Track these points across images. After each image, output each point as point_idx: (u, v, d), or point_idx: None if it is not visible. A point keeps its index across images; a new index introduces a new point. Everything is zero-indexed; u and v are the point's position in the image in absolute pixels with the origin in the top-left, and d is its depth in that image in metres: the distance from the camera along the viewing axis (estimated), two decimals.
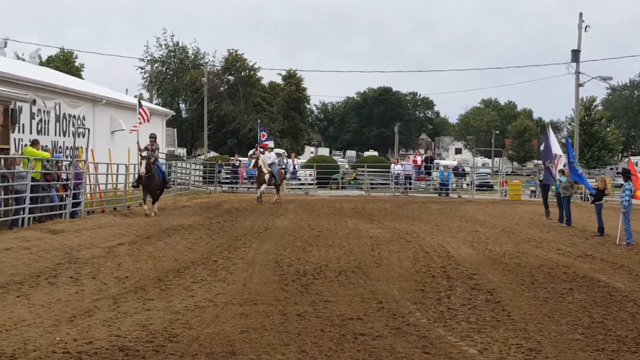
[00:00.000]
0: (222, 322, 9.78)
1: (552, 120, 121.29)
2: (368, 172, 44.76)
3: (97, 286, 12.09)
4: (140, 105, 28.94)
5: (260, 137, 39.16)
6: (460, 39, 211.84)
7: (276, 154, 49.94)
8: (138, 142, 26.63)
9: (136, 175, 27.71)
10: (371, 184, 44.72)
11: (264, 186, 32.82)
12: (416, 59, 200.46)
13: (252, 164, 33.42)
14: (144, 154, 25.34)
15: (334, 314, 10.43)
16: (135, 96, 64.31)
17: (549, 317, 10.63)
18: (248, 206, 30.31)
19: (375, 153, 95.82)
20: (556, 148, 29.04)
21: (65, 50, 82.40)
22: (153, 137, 26.31)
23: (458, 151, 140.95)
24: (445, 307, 11.08)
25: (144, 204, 25.21)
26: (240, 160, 45.31)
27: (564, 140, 37.42)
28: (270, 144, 39.39)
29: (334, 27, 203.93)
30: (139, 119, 28.43)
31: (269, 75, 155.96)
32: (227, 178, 44.18)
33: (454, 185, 44.42)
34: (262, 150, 35.97)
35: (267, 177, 32.57)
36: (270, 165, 33.16)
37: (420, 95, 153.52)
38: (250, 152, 47.59)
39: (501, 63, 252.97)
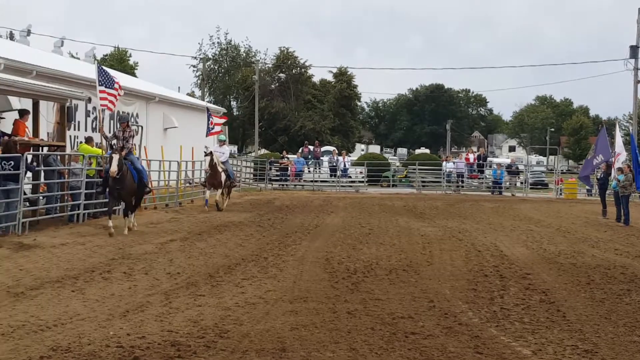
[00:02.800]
0: (272, 318, 9.77)
1: (609, 118, 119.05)
2: (419, 169, 44.48)
3: (150, 282, 12.20)
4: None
5: (208, 124, 30.63)
6: (515, 35, 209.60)
7: (326, 151, 50.10)
8: (102, 128, 22.14)
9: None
10: (422, 181, 44.45)
11: (219, 191, 26.81)
12: (469, 55, 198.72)
13: (207, 164, 26.82)
14: (113, 143, 19.11)
15: (384, 312, 10.36)
16: (189, 94, 65.04)
17: (605, 318, 10.42)
18: (298, 203, 30.34)
19: (427, 151, 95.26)
20: (619, 146, 28.70)
21: (120, 49, 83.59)
22: (124, 122, 19.51)
23: (512, 149, 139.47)
24: (498, 307, 10.93)
25: (109, 218, 18.18)
26: (288, 158, 45.39)
27: (628, 138, 36.80)
28: (220, 135, 31.18)
29: (386, 24, 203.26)
30: (212, 127, 28.75)
31: (320, 72, 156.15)
32: (277, 175, 44.29)
33: (508, 183, 43.92)
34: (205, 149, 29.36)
35: (223, 177, 26.88)
36: (224, 163, 27.79)
37: (473, 92, 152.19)
38: (300, 149, 47.70)
39: (556, 59, 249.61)
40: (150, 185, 21.43)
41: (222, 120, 32.02)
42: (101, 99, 20.87)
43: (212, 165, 26.33)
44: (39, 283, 11.62)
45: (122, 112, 23.02)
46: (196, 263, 14.20)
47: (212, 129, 30.37)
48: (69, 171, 20.16)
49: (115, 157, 17.95)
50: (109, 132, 23.11)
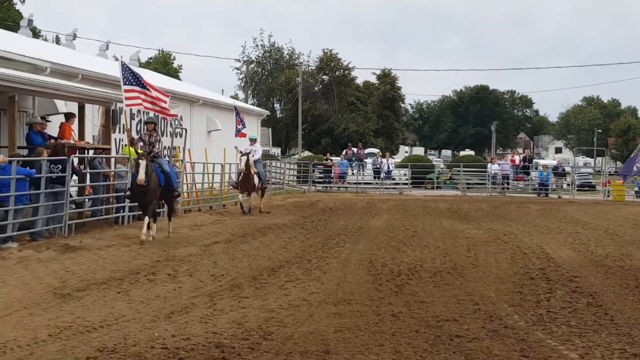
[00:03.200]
0: (316, 321, 9.76)
1: None
2: (464, 171, 44.16)
3: (194, 283, 12.28)
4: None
5: (236, 124, 29.82)
6: (560, 35, 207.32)
7: (370, 153, 49.99)
8: (128, 130, 21.02)
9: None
10: (467, 183, 44.12)
11: (253, 195, 26.19)
12: (514, 56, 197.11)
13: (242, 164, 25.73)
14: (139, 147, 17.78)
15: (429, 315, 10.29)
16: (232, 96, 65.40)
17: None
18: (342, 205, 30.31)
19: (472, 152, 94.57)
20: None
21: (164, 52, 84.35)
22: (151, 123, 18.50)
23: (558, 150, 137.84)
24: (544, 310, 10.78)
25: (144, 226, 17.11)
26: (331, 160, 45.37)
27: None
28: (251, 134, 29.65)
29: (429, 26, 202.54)
30: (240, 127, 28.55)
31: (364, 74, 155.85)
32: (320, 177, 44.29)
33: (554, 185, 43.38)
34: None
35: (256, 180, 25.88)
36: (256, 163, 26.51)
37: (518, 94, 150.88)
38: (344, 151, 47.62)
39: (603, 59, 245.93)
40: (179, 189, 20.11)
41: (243, 131, 30.43)
42: (127, 98, 19.45)
43: (247, 167, 25.45)
44: (85, 285, 11.76)
45: (149, 117, 20.26)
46: (240, 265, 14.25)
47: (241, 129, 29.66)
48: (114, 173, 20.36)
49: (143, 163, 16.87)
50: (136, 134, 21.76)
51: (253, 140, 27.42)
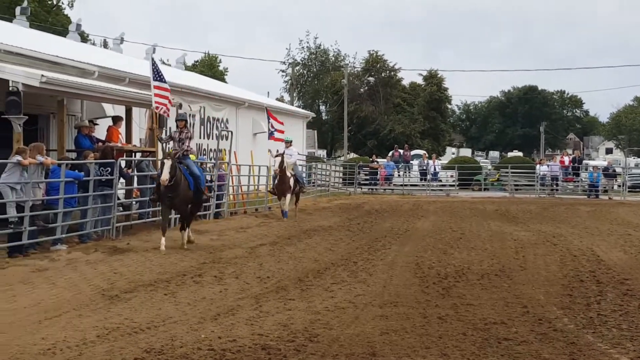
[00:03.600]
0: (362, 323, 9.73)
1: None
2: (512, 173, 43.74)
3: (240, 285, 12.31)
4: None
5: (268, 126, 28.20)
6: (611, 34, 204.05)
7: (416, 155, 49.75)
8: (156, 128, 19.93)
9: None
10: (515, 185, 43.69)
11: (289, 197, 24.60)
12: (563, 56, 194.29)
13: (276, 165, 24.47)
14: (169, 146, 17.15)
15: (476, 317, 10.19)
16: (278, 98, 65.64)
17: None
18: (388, 207, 30.21)
19: (520, 153, 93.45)
20: None
21: (210, 55, 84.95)
22: (182, 120, 17.70)
23: (609, 151, 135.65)
24: (594, 313, 10.60)
25: (163, 232, 16.20)
26: (377, 162, 45.23)
27: None
28: (287, 136, 27.95)
29: (476, 26, 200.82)
30: (272, 130, 27.70)
31: (410, 75, 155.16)
32: (366, 179, 44.21)
33: (604, 186, 42.75)
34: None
35: (292, 182, 24.68)
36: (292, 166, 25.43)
37: (568, 94, 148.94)
38: (390, 153, 47.46)
39: None
40: (207, 192, 18.93)
41: (281, 126, 28.90)
42: (156, 95, 19.19)
43: (282, 169, 24.21)
44: (132, 286, 11.87)
45: (180, 113, 19.66)
46: (286, 267, 14.27)
47: (273, 132, 27.93)
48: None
49: (167, 163, 15.91)
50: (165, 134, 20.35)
51: (289, 143, 26.34)
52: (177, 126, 17.57)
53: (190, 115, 28.40)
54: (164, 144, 17.44)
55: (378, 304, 10.96)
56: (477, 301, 11.33)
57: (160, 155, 18.43)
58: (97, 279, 12.46)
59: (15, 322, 9.41)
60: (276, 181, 24.73)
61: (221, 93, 33.15)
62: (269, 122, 27.97)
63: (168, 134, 18.61)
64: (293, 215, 24.70)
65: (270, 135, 27.98)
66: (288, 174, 24.35)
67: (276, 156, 24.63)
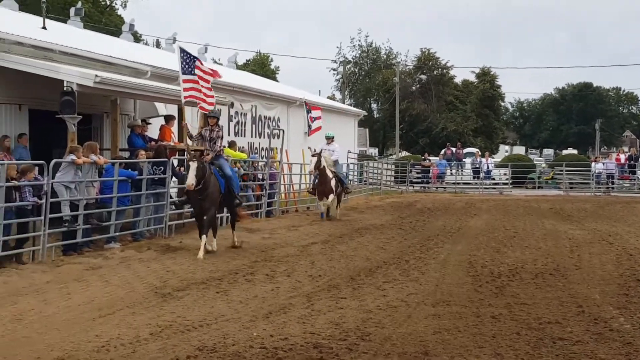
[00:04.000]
0: (414, 322, 9.68)
1: None
2: (567, 171, 43.08)
3: (292, 284, 12.33)
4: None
5: (307, 120, 26.26)
6: None
7: (469, 153, 49.30)
8: (185, 125, 17.64)
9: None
10: (570, 183, 43.01)
11: (331, 197, 22.82)
12: (619, 52, 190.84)
13: (312, 165, 22.69)
14: (194, 145, 16.76)
15: (530, 317, 10.06)
16: (329, 97, 65.65)
17: None
18: (440, 206, 29.98)
19: (575, 151, 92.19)
20: None
21: (261, 54, 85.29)
22: (214, 117, 16.46)
23: None
24: None
25: (200, 235, 15.28)
26: (430, 160, 44.94)
27: None
28: (328, 132, 26.26)
29: (529, 23, 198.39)
30: (311, 124, 26.11)
31: (462, 73, 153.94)
32: (418, 177, 43.96)
33: None
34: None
35: (333, 183, 22.90)
36: (334, 164, 23.89)
37: (624, 91, 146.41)
38: (442, 151, 47.12)
39: None
40: (240, 198, 17.41)
41: (319, 122, 26.96)
42: (185, 90, 17.39)
43: (321, 169, 22.48)
44: (185, 284, 11.96)
45: (213, 110, 17.44)
46: (337, 266, 14.24)
47: (312, 126, 26.03)
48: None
49: (193, 165, 14.78)
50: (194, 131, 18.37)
51: (330, 139, 24.84)
52: (208, 124, 16.44)
53: (242, 114, 28.57)
54: (195, 142, 16.66)
55: (430, 303, 10.90)
56: (531, 300, 11.20)
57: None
58: (150, 276, 12.59)
59: (70, 320, 9.55)
60: (316, 181, 23.18)
61: (272, 92, 33.22)
62: (307, 115, 26.41)
63: (198, 132, 17.27)
64: (335, 219, 23.27)
65: (309, 130, 26.35)
66: (328, 173, 22.73)
67: (313, 155, 22.79)
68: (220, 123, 17.01)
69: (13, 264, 13.34)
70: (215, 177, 15.52)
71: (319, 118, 26.14)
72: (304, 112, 26.55)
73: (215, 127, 16.14)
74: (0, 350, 8.13)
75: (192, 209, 16.57)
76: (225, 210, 17.74)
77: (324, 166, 22.49)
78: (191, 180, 14.64)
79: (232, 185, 16.08)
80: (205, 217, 15.32)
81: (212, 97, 18.16)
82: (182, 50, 17.23)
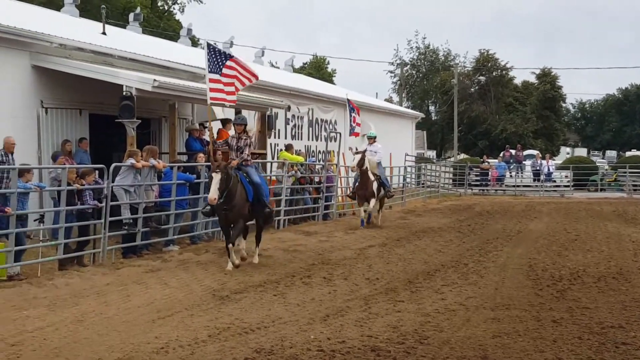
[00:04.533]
0: (473, 326, 9.57)
1: None
2: (630, 173, 42.23)
3: (349, 287, 12.29)
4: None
5: (351, 120, 24.24)
6: None
7: (529, 155, 48.65)
8: (210, 129, 15.55)
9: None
10: (634, 185, 42.15)
11: (372, 202, 21.41)
12: None
13: (355, 162, 21.06)
14: (219, 145, 15.45)
15: (592, 321, 9.88)
16: (386, 99, 65.45)
17: None
18: (499, 209, 29.63)
19: (639, 153, 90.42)
20: None
21: (318, 57, 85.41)
22: (240, 124, 15.04)
23: None
24: None
25: (229, 245, 13.90)
26: (489, 162, 44.47)
27: None
28: (370, 132, 24.90)
29: (591, 22, 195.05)
30: (353, 123, 24.73)
31: (522, 74, 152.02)
32: (477, 180, 43.55)
33: None
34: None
35: (374, 186, 21.40)
36: (377, 165, 22.08)
37: None
38: (502, 153, 46.58)
39: None
40: (271, 205, 16.17)
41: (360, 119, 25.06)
42: (211, 90, 15.32)
43: (363, 170, 21.06)
44: (242, 287, 12.01)
45: (239, 115, 16.17)
46: (395, 269, 14.17)
47: (354, 128, 24.25)
48: (269, 178, 20.72)
49: (217, 177, 13.53)
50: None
51: (372, 139, 23.01)
52: (235, 131, 15.11)
53: (299, 117, 28.63)
54: (218, 148, 15.64)
55: (490, 307, 10.77)
56: (594, 304, 11.01)
57: (269, 157, 17.72)
58: (208, 279, 12.68)
59: (130, 321, 9.65)
60: (357, 184, 21.72)
61: (329, 94, 33.25)
62: (351, 115, 24.49)
63: (223, 140, 16.00)
64: (377, 226, 21.79)
65: (352, 132, 24.54)
66: (370, 175, 21.28)
67: (356, 153, 21.34)
68: (279, 126, 16.13)
69: (74, 267, 13.59)
70: (243, 184, 14.26)
71: (358, 125, 24.50)
72: (347, 111, 24.68)
73: (242, 135, 14.82)
74: (62, 351, 8.26)
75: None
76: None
77: (366, 167, 21.10)
78: (213, 194, 13.43)
79: (260, 193, 14.73)
80: (233, 225, 14.10)
81: (234, 93, 15.74)
82: (210, 47, 15.80)
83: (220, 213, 14.14)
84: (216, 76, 15.39)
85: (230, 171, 13.81)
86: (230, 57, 15.62)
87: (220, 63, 15.42)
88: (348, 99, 24.93)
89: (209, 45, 15.81)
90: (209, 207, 14.36)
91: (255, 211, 14.73)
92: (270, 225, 18.01)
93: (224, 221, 14.23)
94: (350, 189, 22.74)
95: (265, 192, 15.11)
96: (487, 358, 8.12)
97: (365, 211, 21.54)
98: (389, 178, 30.03)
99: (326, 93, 33.44)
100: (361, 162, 20.85)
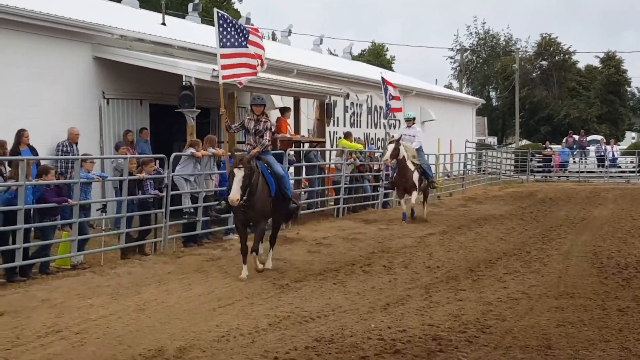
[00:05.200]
0: (536, 315, 9.44)
1: None
2: None
3: (409, 275, 12.21)
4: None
5: (386, 98, 22.17)
6: None
7: (593, 140, 47.73)
8: (224, 113, 14.16)
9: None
10: None
11: (414, 195, 19.34)
12: None
13: (387, 155, 19.09)
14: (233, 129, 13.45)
15: None
16: (446, 86, 64.94)
17: None
18: (563, 195, 29.15)
19: None
20: None
21: (376, 44, 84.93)
22: (260, 105, 12.82)
23: None
24: None
25: (243, 260, 12.04)
26: (551, 148, 43.76)
27: None
28: (408, 113, 22.49)
29: None
30: (388, 100, 23.33)
31: (585, 58, 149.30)
32: (539, 166, 42.91)
33: None
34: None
35: (415, 176, 19.34)
36: (417, 152, 20.01)
37: None
38: (564, 139, 45.80)
39: None
40: (295, 198, 14.29)
41: (397, 93, 23.06)
42: (223, 67, 14.07)
43: (400, 159, 19.00)
44: (302, 275, 12.01)
45: (257, 96, 13.37)
46: (456, 257, 14.04)
47: (389, 106, 22.37)
48: (328, 166, 20.69)
49: (239, 174, 11.65)
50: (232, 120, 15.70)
51: (410, 121, 21.07)
52: (253, 112, 12.80)
53: (357, 104, 28.50)
54: (233, 132, 14.03)
55: (553, 295, 10.61)
56: None
57: (328, 145, 17.01)
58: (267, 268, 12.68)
59: (191, 310, 9.72)
60: (395, 174, 19.84)
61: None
62: (386, 94, 22.68)
63: (239, 122, 13.84)
64: (422, 219, 20.00)
65: (388, 109, 22.82)
66: (409, 165, 19.20)
67: (390, 142, 19.63)
68: (326, 116, 15.08)
69: (136, 255, 13.74)
70: (264, 177, 12.31)
71: (397, 98, 22.77)
72: (382, 90, 22.94)
73: (262, 117, 12.69)
74: (125, 339, 8.35)
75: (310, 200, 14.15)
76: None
77: (403, 156, 18.99)
78: (235, 194, 11.52)
79: (284, 186, 12.75)
80: (254, 224, 12.32)
81: (253, 74, 14.42)
82: (222, 17, 13.86)
83: (237, 210, 12.20)
84: (229, 50, 13.93)
85: (253, 165, 11.98)
86: (247, 32, 14.06)
87: (238, 36, 13.86)
88: (382, 77, 23.41)
89: (219, 15, 14.05)
90: (223, 203, 12.62)
91: (278, 208, 12.75)
92: (294, 221, 16.77)
93: (241, 221, 12.30)
94: (390, 180, 20.62)
95: (287, 183, 13.10)
96: (551, 347, 7.97)
97: (406, 204, 19.65)
98: (447, 165, 29.85)
99: None
100: (395, 153, 18.77)
